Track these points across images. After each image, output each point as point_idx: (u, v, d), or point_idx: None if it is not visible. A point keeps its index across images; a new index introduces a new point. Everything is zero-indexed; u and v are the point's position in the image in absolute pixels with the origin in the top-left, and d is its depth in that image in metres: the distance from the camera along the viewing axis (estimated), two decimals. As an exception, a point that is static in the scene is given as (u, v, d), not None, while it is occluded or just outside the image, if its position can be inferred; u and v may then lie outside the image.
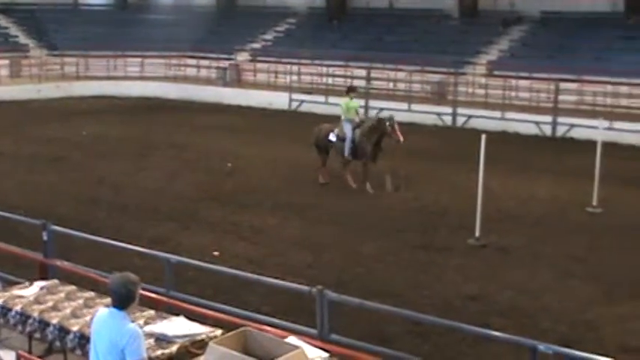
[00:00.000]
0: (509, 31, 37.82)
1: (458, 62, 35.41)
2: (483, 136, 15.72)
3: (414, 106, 32.64)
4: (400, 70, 35.63)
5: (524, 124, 29.78)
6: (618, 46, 33.99)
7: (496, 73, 34.47)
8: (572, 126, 28.72)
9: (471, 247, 15.42)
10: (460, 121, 31.66)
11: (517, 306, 12.41)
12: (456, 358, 10.34)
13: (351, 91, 20.91)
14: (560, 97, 30.34)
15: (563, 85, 30.67)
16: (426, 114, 32.09)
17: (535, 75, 32.76)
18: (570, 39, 35.33)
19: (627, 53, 32.98)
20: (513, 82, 32.32)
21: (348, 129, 20.04)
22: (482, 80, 33.90)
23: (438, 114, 32.21)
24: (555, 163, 24.07)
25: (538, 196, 19.81)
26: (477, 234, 15.65)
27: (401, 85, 35.27)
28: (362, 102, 20.78)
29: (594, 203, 18.30)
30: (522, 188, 20.53)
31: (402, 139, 19.18)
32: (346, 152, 20.04)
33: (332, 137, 20.36)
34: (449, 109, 32.16)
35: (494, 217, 17.09)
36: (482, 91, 33.01)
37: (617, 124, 27.01)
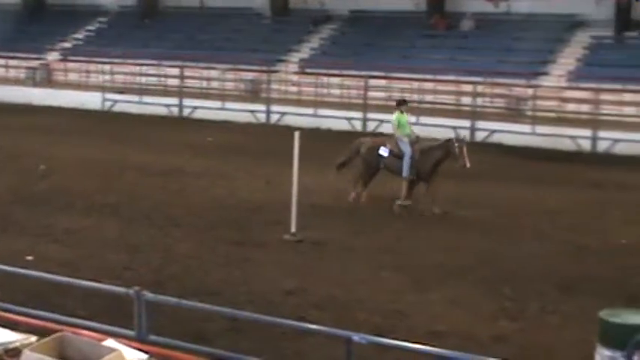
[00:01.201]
0: (320, 29, 38.55)
1: (270, 60, 35.79)
2: (297, 133, 16.01)
3: (228, 104, 32.83)
4: (213, 68, 35.66)
5: (336, 120, 30.45)
6: (422, 44, 35.37)
7: (308, 70, 35.06)
8: (382, 121, 29.58)
9: (287, 242, 15.66)
10: (274, 118, 32.04)
11: (333, 299, 12.71)
12: (275, 352, 10.50)
13: (401, 104, 19.08)
14: (370, 94, 31.20)
15: (372, 82, 31.56)
16: (240, 112, 32.32)
17: (345, 72, 33.57)
18: (378, 37, 36.43)
19: (430, 51, 34.39)
20: (325, 79, 32.97)
21: (405, 145, 18.34)
22: (295, 78, 34.40)
23: (252, 111, 32.47)
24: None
25: (351, 190, 20.29)
26: (293, 229, 15.90)
27: (214, 84, 35.31)
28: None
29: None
30: (336, 183, 20.96)
31: (468, 164, 17.61)
32: (405, 171, 18.21)
33: (383, 152, 18.36)
34: (263, 107, 32.49)
35: (309, 212, 17.40)
36: (295, 89, 33.51)
37: (423, 119, 28.10)
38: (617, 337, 8.92)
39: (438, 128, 28.30)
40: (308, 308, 12.22)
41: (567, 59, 32.75)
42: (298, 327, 10.25)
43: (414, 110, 26.72)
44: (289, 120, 30.48)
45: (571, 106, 28.98)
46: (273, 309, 11.80)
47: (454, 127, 28.59)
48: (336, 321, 11.43)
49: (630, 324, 9.16)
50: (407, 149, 18.28)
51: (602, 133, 27.04)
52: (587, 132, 27.22)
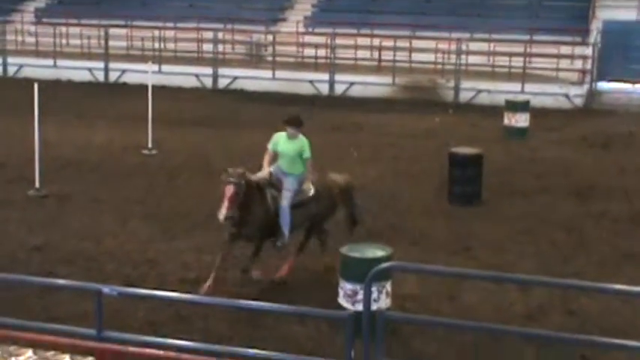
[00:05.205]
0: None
1: (4, 10, 34.40)
2: (36, 85, 15.65)
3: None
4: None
5: (77, 71, 29.80)
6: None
7: (45, 20, 33.92)
8: (124, 71, 29.30)
9: (32, 198, 15.41)
10: (11, 70, 30.90)
11: (82, 252, 12.68)
12: (23, 310, 10.33)
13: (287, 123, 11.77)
14: (111, 43, 30.69)
15: (112, 32, 31.05)
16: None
17: (85, 22, 32.78)
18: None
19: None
20: (64, 29, 32.03)
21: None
22: (32, 28, 33.22)
23: (-13, 64, 31.17)
24: (110, 109, 24.49)
25: (95, 142, 20.14)
26: (37, 184, 15.66)
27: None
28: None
29: (149, 145, 19.05)
30: (80, 135, 20.72)
31: None
32: None
33: None
34: (-2, 59, 31.31)
35: (54, 167, 17.15)
36: (32, 40, 32.36)
37: (165, 68, 28.12)
38: (357, 270, 9.59)
39: (180, 76, 28.46)
40: (56, 264, 12.15)
41: (304, 5, 33.60)
42: (46, 283, 10.21)
43: (154, 58, 26.73)
44: (28, 72, 29.52)
45: (309, 51, 29.80)
46: (20, 267, 11.66)
47: (196, 75, 28.88)
48: (85, 274, 11.48)
49: (369, 258, 9.86)
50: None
51: (338, 77, 28.13)
52: (324, 76, 28.22)
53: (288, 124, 11.69)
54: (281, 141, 11.74)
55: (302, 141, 11.65)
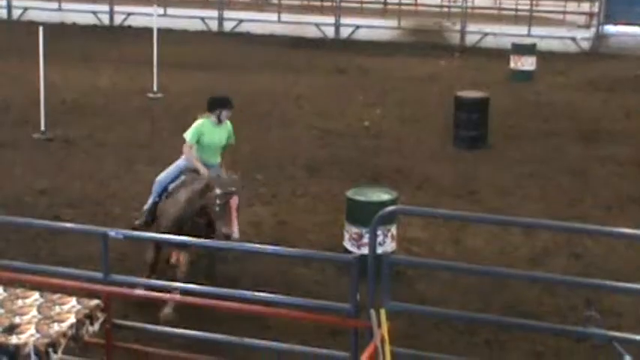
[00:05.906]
0: None
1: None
2: (41, 28, 15.57)
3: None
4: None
5: (81, 14, 29.57)
6: None
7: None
8: (129, 14, 29.06)
9: (37, 141, 15.42)
10: (16, 13, 30.59)
11: (87, 196, 12.74)
12: (30, 253, 10.41)
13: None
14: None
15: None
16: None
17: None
18: None
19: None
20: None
21: None
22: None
23: None
24: (115, 52, 24.34)
25: (100, 85, 20.08)
26: (43, 128, 15.66)
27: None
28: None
29: (154, 89, 19.00)
30: (84, 79, 20.65)
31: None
32: None
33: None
34: (3, 2, 30.90)
35: (59, 110, 17.15)
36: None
37: (171, 11, 27.91)
38: (363, 214, 9.62)
39: (186, 19, 28.25)
40: (62, 207, 12.21)
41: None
42: (53, 226, 10.25)
43: (160, 2, 26.50)
44: (32, 15, 29.32)
45: (314, -6, 29.58)
46: (27, 210, 11.71)
47: (202, 18, 28.66)
48: (91, 218, 11.52)
49: (374, 201, 9.90)
50: None
51: (344, 20, 27.92)
52: (330, 19, 28.01)
53: (224, 107, 9.81)
54: (206, 130, 9.85)
55: (229, 126, 10.01)
